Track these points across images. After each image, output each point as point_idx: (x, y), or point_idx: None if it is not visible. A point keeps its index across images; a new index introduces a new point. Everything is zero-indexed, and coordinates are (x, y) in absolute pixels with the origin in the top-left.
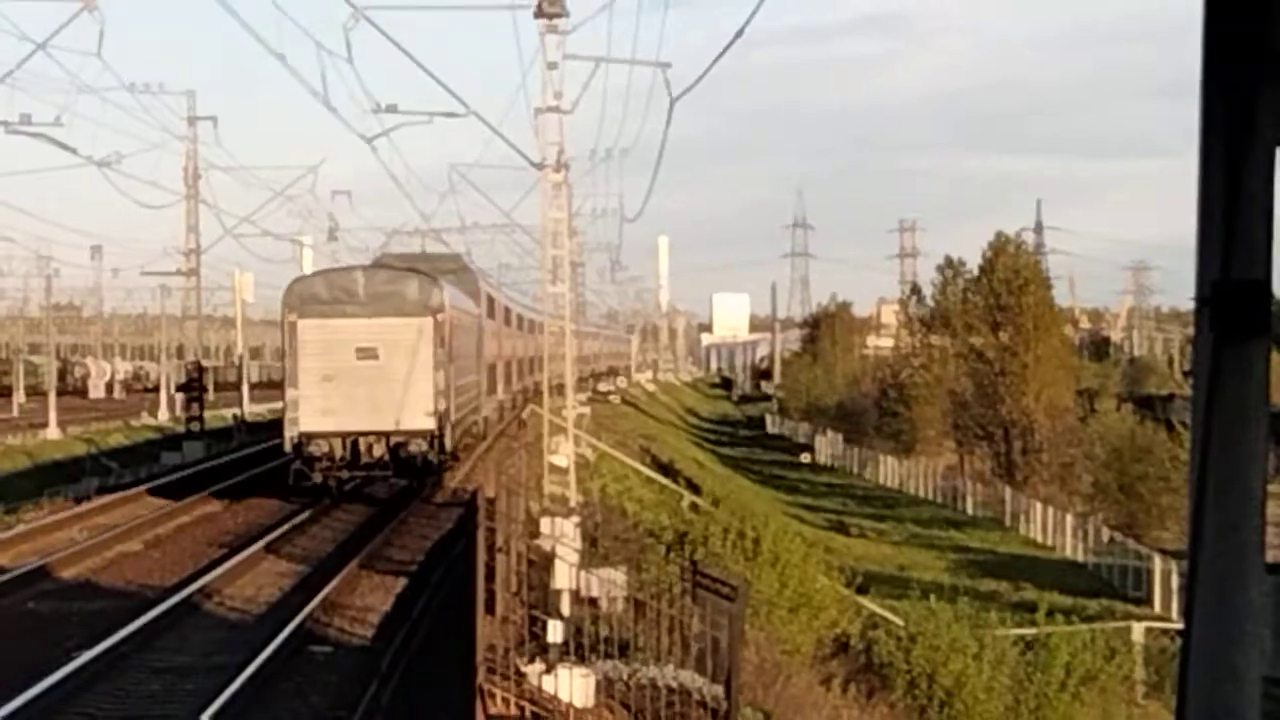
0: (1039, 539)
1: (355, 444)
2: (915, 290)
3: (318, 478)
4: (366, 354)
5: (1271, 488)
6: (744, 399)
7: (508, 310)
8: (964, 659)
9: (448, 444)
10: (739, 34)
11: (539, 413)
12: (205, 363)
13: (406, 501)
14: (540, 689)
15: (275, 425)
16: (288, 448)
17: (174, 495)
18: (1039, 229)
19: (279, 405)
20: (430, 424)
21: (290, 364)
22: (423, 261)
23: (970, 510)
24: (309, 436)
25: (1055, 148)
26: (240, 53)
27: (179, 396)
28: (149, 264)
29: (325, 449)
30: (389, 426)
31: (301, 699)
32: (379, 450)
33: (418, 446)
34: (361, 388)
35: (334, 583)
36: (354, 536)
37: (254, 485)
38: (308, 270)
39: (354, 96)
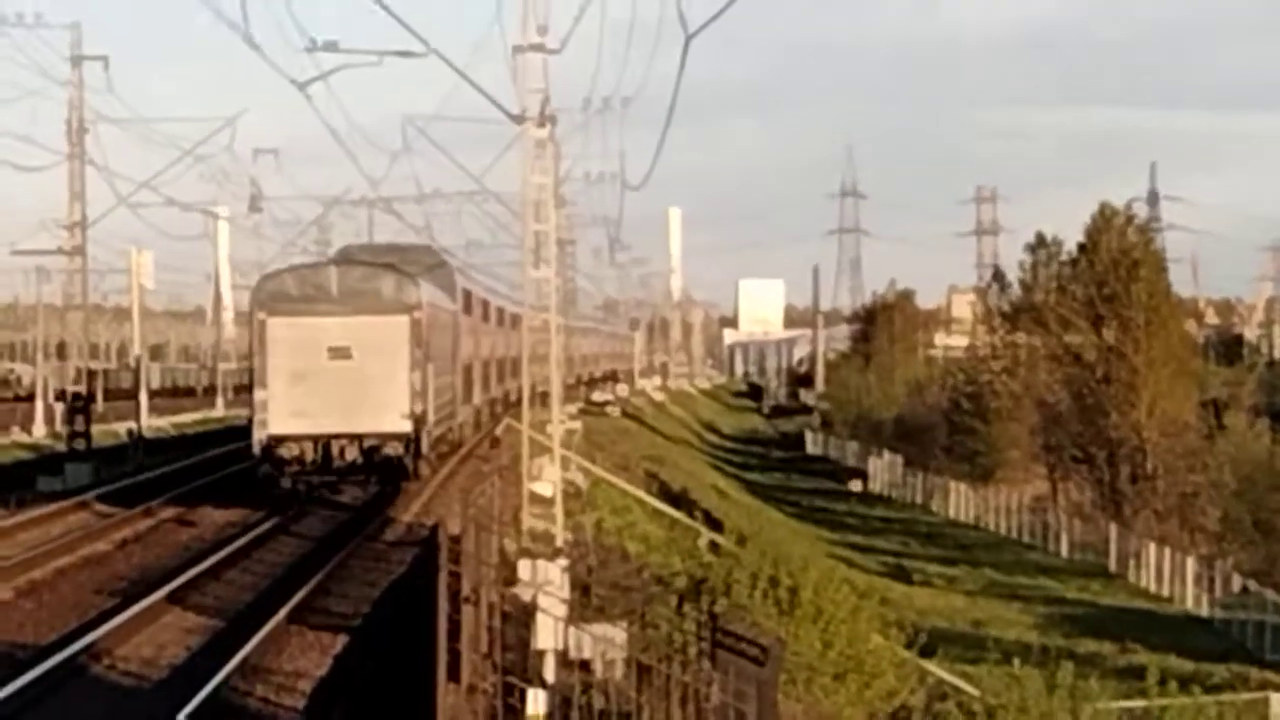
0: (1151, 588)
1: (327, 447)
2: (998, 276)
3: (286, 483)
4: (339, 353)
5: None
6: (777, 411)
7: (485, 304)
8: None
9: (424, 447)
10: None
11: (516, 428)
12: (94, 364)
13: (346, 539)
14: None
15: (181, 443)
16: (256, 450)
17: (52, 531)
18: (1153, 199)
19: (186, 418)
20: (406, 427)
21: (259, 363)
22: (395, 254)
23: (1065, 552)
24: (278, 439)
25: (1174, 97)
26: None
27: (59, 407)
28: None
29: (295, 452)
30: (363, 429)
31: None
32: (352, 454)
33: (393, 449)
34: (334, 389)
35: (255, 641)
36: (281, 583)
37: (154, 517)
38: (223, 246)
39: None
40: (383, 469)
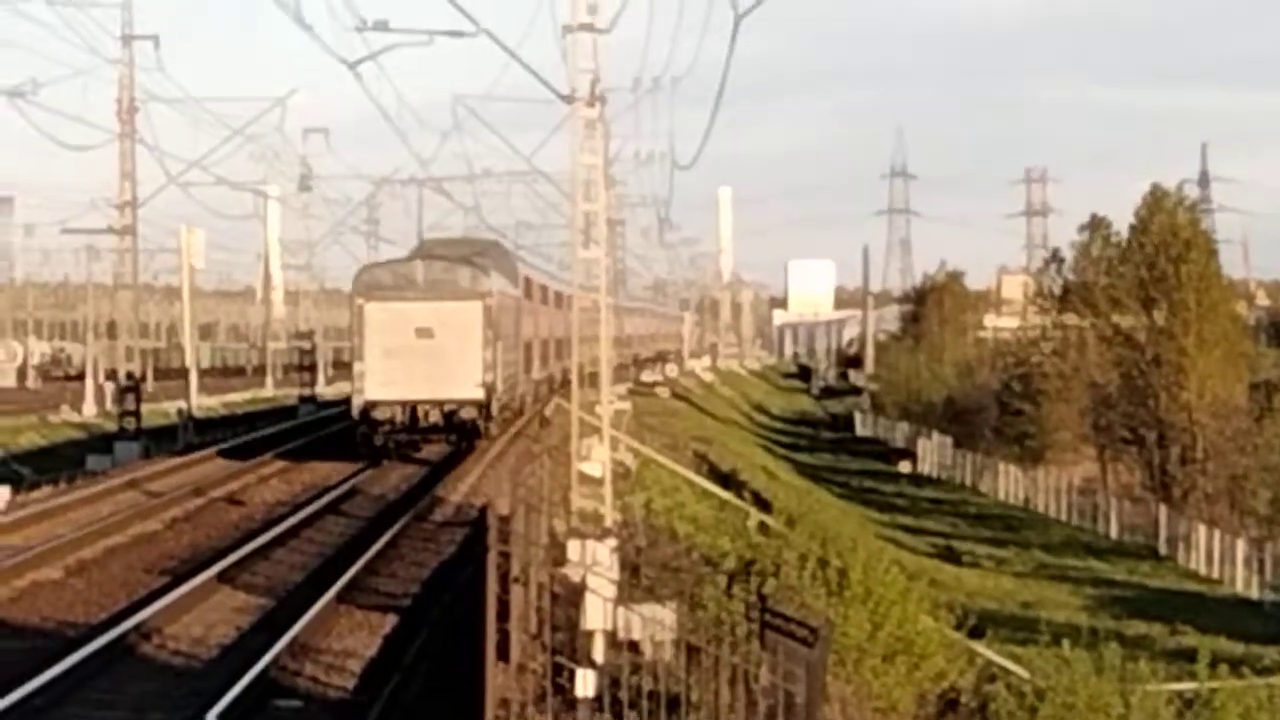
0: (1202, 570)
1: (414, 410)
2: (1055, 257)
3: (379, 440)
4: (424, 333)
5: None
6: (827, 392)
7: (544, 289)
8: None
9: (494, 411)
10: None
11: (566, 408)
12: (143, 344)
13: (393, 519)
14: None
15: (231, 422)
16: (355, 413)
17: (103, 510)
18: (1204, 180)
19: (235, 397)
20: (480, 394)
21: (358, 342)
22: (468, 247)
23: (1114, 534)
24: (373, 404)
25: (1226, 76)
26: None
27: (109, 386)
28: (72, 219)
29: (388, 415)
30: (443, 396)
31: None
32: (434, 416)
33: (468, 413)
34: (420, 362)
35: (305, 620)
36: (330, 563)
37: (204, 498)
38: (273, 226)
39: (333, 10)
40: (459, 429)
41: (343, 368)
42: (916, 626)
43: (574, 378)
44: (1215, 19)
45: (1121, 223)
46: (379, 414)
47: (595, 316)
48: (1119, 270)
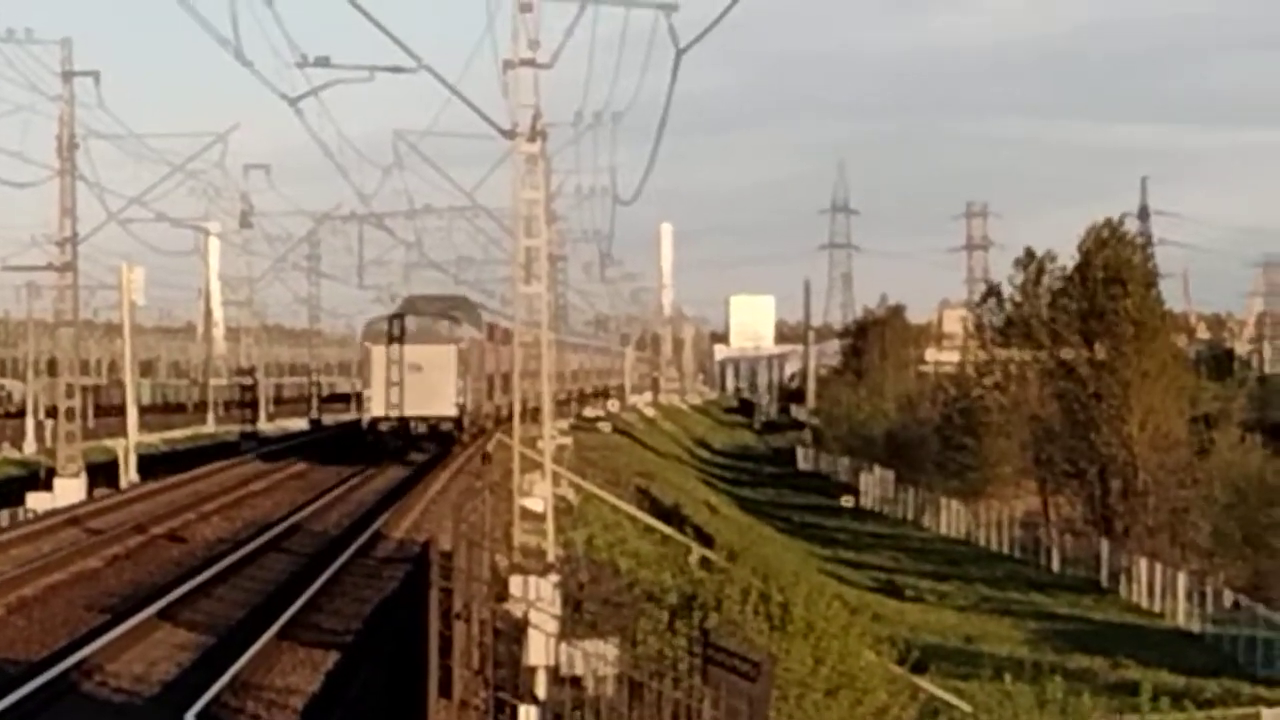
0: (1143, 604)
1: (407, 424)
2: (991, 291)
3: (382, 445)
4: (414, 368)
5: None
6: (768, 427)
7: (506, 331)
8: None
9: (465, 425)
10: None
11: (508, 444)
12: (84, 380)
13: (335, 554)
14: None
15: (174, 459)
16: (364, 425)
17: (43, 547)
18: (1144, 214)
19: (177, 434)
20: (455, 412)
21: (365, 374)
22: (444, 303)
23: (1056, 568)
24: (377, 419)
25: (1164, 111)
26: None
27: (49, 424)
28: (12, 256)
29: (388, 427)
30: (428, 413)
31: None
32: (422, 428)
33: (446, 426)
34: (411, 389)
35: (246, 657)
36: (271, 600)
37: (143, 536)
38: (214, 262)
39: (274, 46)
40: (440, 437)
41: (284, 404)
42: (859, 661)
43: (515, 414)
44: (1156, 55)
45: (1064, 257)
46: (382, 426)
47: (537, 352)
48: (1060, 304)
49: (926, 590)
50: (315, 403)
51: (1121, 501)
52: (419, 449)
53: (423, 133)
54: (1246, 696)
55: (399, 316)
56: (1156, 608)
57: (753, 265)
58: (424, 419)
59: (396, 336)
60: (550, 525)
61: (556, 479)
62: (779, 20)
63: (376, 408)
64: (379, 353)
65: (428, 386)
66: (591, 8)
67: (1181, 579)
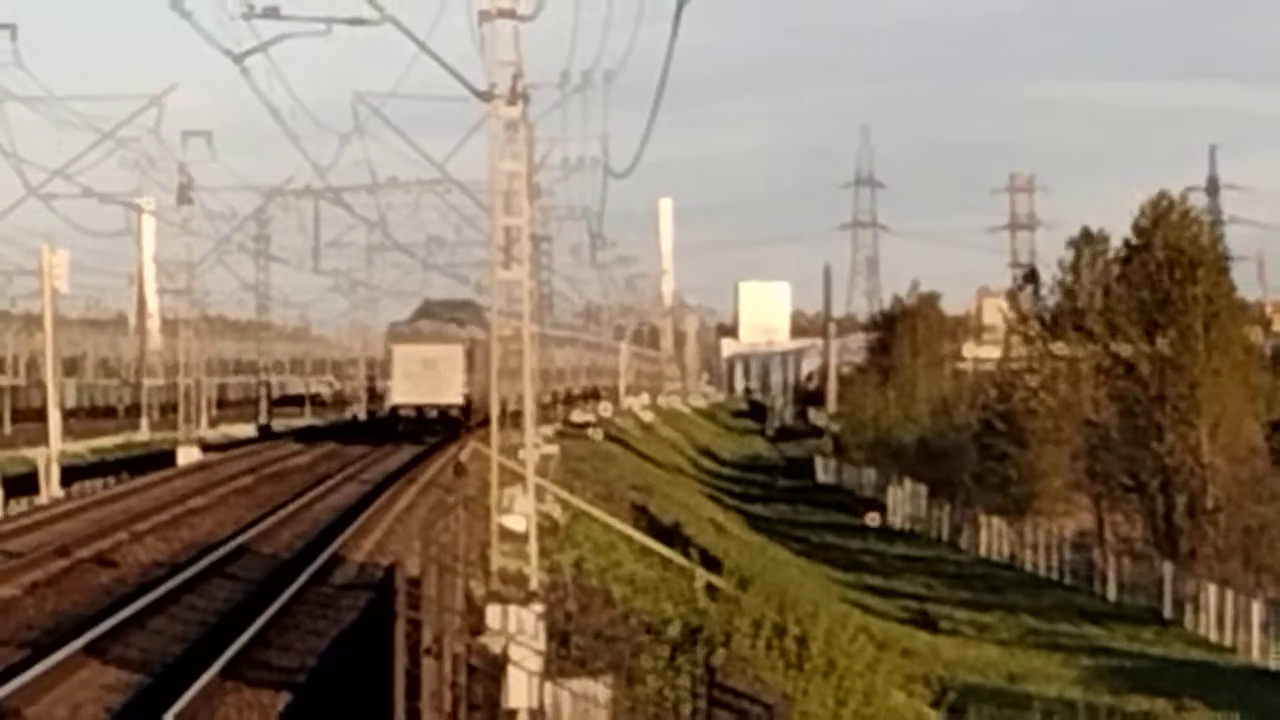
0: (1212, 637)
1: (422, 410)
2: (1032, 275)
3: (401, 427)
4: (429, 364)
5: None
6: (783, 434)
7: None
8: None
9: (470, 412)
10: None
11: (485, 453)
12: (0, 380)
13: (287, 580)
14: None
15: (105, 468)
16: (387, 411)
17: None
18: (1213, 188)
19: (105, 442)
20: (462, 401)
21: (388, 369)
22: (454, 308)
23: (1113, 595)
24: (398, 406)
25: (1236, 70)
26: None
27: None
28: None
29: (406, 412)
30: (440, 401)
31: None
32: (434, 414)
33: (455, 412)
34: (426, 382)
35: (185, 699)
36: (213, 634)
37: (66, 560)
38: (148, 243)
39: None
40: (450, 421)
41: (229, 406)
42: (887, 703)
43: (493, 418)
44: (1226, 6)
45: (1120, 236)
46: (402, 412)
47: (518, 348)
48: (1117, 291)
49: (964, 622)
50: (265, 406)
51: (1188, 519)
52: (431, 432)
53: (387, 95)
54: None
55: (415, 321)
56: (1228, 641)
57: (765, 247)
58: (436, 406)
59: (414, 338)
60: (533, 547)
61: (540, 493)
62: None
63: (397, 397)
64: (400, 351)
65: (439, 380)
66: None
67: (1257, 608)
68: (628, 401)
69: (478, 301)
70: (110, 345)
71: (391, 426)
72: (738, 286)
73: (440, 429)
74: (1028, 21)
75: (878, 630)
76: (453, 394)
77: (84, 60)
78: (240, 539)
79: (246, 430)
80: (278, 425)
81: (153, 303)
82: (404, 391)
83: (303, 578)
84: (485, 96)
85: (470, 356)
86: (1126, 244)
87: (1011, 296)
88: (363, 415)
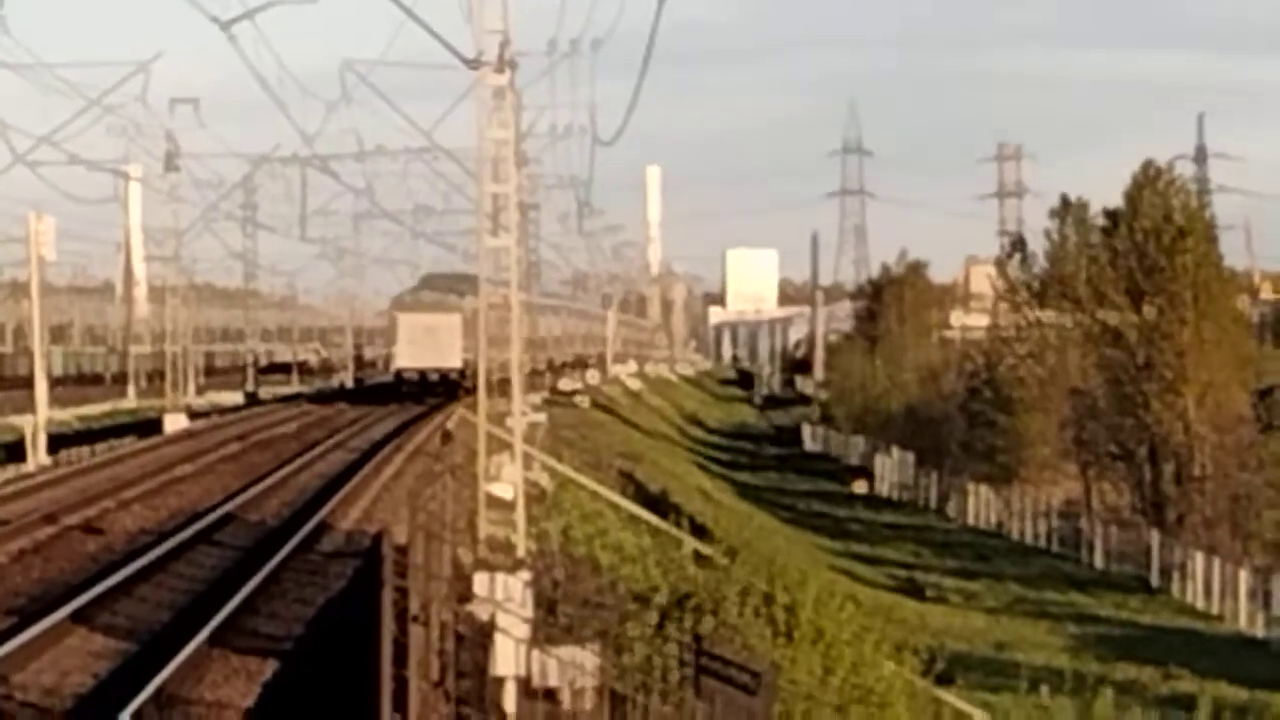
0: (1200, 604)
1: (424, 374)
2: (1020, 244)
3: (404, 388)
4: (430, 331)
5: None
6: (770, 401)
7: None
8: None
9: (467, 375)
10: None
11: (471, 420)
12: None
13: (273, 548)
14: None
15: (92, 435)
16: (390, 375)
17: None
18: (1200, 156)
19: (92, 410)
20: (459, 365)
21: (392, 335)
22: (453, 280)
23: (1100, 563)
24: (401, 370)
25: (1224, 37)
26: None
27: None
28: None
29: (409, 375)
30: (440, 365)
31: None
32: (434, 377)
33: (453, 376)
34: (427, 347)
35: (172, 667)
36: (200, 600)
37: (54, 527)
38: (135, 211)
39: None
40: (449, 384)
41: (215, 374)
42: (875, 671)
43: (480, 385)
44: None
45: (1111, 204)
46: (405, 375)
47: (505, 315)
48: (1104, 259)
49: (952, 590)
50: (251, 374)
51: (1175, 487)
52: (432, 394)
53: (374, 63)
54: None
55: (418, 291)
56: (1215, 609)
57: (752, 216)
58: (437, 370)
59: (417, 307)
60: (520, 515)
61: (528, 461)
62: None
63: (400, 361)
64: (404, 319)
65: (439, 345)
66: None
67: (1244, 576)
68: (615, 370)
69: (476, 274)
70: (97, 313)
71: (396, 387)
72: (725, 254)
73: (440, 390)
74: None
75: (866, 598)
76: (453, 359)
77: (71, 27)
78: (227, 506)
79: (234, 398)
80: (264, 393)
81: (140, 270)
82: (408, 356)
83: (290, 545)
84: (473, 64)
85: (469, 324)
86: (1106, 212)
87: (1000, 265)
88: (349, 383)
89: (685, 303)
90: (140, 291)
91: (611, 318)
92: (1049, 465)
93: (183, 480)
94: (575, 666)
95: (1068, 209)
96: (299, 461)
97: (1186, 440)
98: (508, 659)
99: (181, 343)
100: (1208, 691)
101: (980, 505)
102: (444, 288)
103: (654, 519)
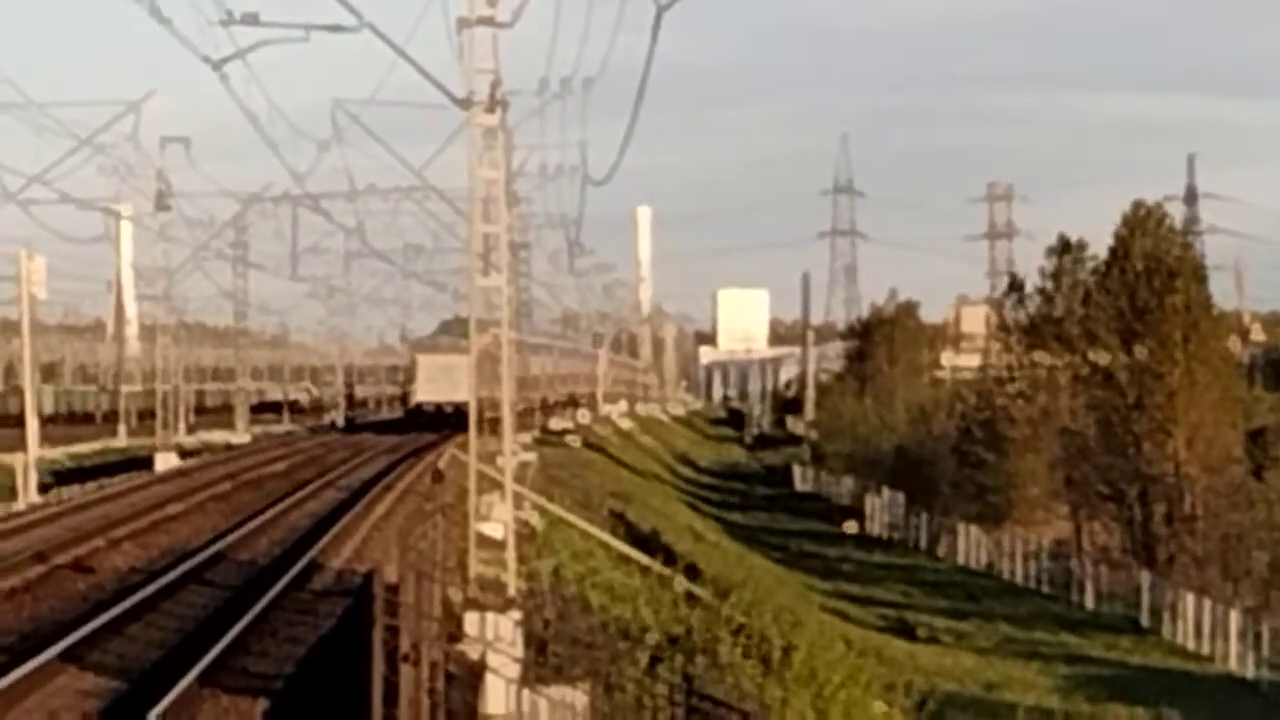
0: (1190, 645)
1: (440, 407)
2: (1014, 285)
3: (423, 419)
4: (445, 370)
5: None
6: (761, 441)
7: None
8: None
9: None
10: None
11: (462, 460)
12: None
13: (264, 587)
14: None
15: (83, 474)
16: (411, 405)
17: None
18: (1191, 197)
19: (83, 448)
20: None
21: (411, 372)
22: (465, 325)
23: (1090, 604)
24: (420, 403)
25: (1214, 81)
26: None
27: None
28: None
29: (427, 408)
30: (454, 399)
31: None
32: (449, 410)
33: (464, 408)
34: (443, 384)
35: (162, 706)
36: (191, 640)
37: (44, 566)
38: (126, 250)
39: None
40: (460, 415)
41: (206, 413)
42: (867, 712)
43: (471, 425)
44: (1204, 18)
45: (1098, 245)
46: (424, 407)
47: (496, 354)
48: (1096, 300)
49: (942, 630)
50: (243, 413)
51: (1165, 528)
52: (447, 424)
53: (365, 102)
54: None
55: (436, 336)
56: (1205, 650)
57: (743, 255)
58: (451, 403)
59: (434, 349)
60: (511, 554)
61: (518, 501)
62: None
63: (421, 395)
64: (423, 360)
65: (453, 381)
66: None
67: (1234, 617)
68: (606, 409)
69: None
70: (88, 351)
71: (415, 418)
72: (716, 294)
73: (454, 420)
74: (1007, 32)
75: (856, 638)
76: (464, 393)
77: (62, 66)
78: (218, 545)
79: (223, 437)
80: (257, 432)
81: (131, 309)
82: (426, 391)
83: (281, 584)
84: (464, 104)
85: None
86: (1109, 252)
87: (996, 305)
88: (340, 422)
89: (676, 342)
90: (131, 330)
91: (602, 357)
92: (1039, 505)
93: (173, 520)
94: (566, 706)
95: (1068, 249)
96: (289, 501)
97: (1177, 481)
98: (498, 698)
99: (172, 381)
100: None
101: (971, 545)
102: (457, 332)
103: (645, 559)
